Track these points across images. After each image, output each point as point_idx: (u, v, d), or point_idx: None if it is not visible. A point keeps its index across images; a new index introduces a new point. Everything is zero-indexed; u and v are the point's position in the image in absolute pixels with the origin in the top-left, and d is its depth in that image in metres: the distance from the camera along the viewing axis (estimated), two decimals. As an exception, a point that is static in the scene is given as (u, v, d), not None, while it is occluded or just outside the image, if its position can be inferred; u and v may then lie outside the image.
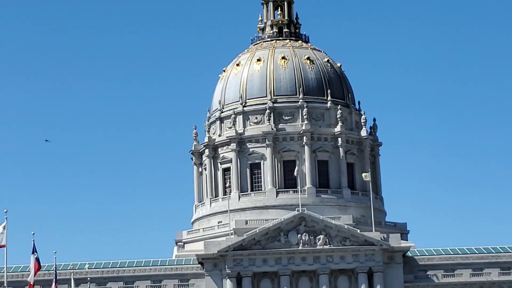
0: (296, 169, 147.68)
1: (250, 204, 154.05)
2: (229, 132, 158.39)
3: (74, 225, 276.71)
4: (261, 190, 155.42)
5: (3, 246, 51.60)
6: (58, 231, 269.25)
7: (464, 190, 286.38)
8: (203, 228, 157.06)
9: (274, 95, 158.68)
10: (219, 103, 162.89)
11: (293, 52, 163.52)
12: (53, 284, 62.29)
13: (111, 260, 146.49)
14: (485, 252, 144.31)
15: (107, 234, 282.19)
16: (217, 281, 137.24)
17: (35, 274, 54.45)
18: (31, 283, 55.05)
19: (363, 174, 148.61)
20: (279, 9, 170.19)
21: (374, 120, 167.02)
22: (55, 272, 66.38)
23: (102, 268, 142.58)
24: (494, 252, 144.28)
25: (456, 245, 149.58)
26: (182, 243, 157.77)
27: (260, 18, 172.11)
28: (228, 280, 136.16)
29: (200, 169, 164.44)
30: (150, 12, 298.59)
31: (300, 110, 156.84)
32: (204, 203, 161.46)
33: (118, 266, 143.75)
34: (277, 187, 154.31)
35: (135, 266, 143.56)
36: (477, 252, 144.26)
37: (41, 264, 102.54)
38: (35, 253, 56.86)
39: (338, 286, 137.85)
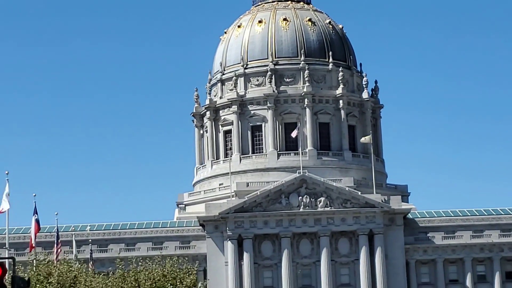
0: (296, 132, 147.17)
1: (251, 166, 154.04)
2: (230, 94, 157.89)
3: (75, 187, 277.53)
4: (262, 152, 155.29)
5: (4, 211, 51.61)
6: (60, 193, 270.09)
7: (465, 152, 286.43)
8: (204, 190, 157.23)
9: (275, 57, 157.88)
10: (220, 65, 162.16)
11: (295, 14, 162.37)
12: (55, 245, 62.43)
13: (113, 222, 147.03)
14: (486, 214, 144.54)
15: (108, 196, 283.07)
16: (218, 243, 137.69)
17: (34, 235, 54.54)
18: (32, 244, 55.15)
19: (363, 138, 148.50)
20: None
21: (376, 82, 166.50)
22: (57, 233, 66.57)
23: (104, 230, 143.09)
24: (494, 214, 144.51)
25: (456, 207, 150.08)
26: (183, 205, 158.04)
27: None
28: (229, 242, 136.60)
29: (201, 132, 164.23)
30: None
31: (301, 72, 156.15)
32: (205, 165, 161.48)
33: (119, 228, 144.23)
34: (278, 150, 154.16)
35: (136, 228, 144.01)
36: (477, 214, 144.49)
37: (43, 226, 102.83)
38: (36, 215, 56.83)
39: (338, 248, 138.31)
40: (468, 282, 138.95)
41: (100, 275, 44.22)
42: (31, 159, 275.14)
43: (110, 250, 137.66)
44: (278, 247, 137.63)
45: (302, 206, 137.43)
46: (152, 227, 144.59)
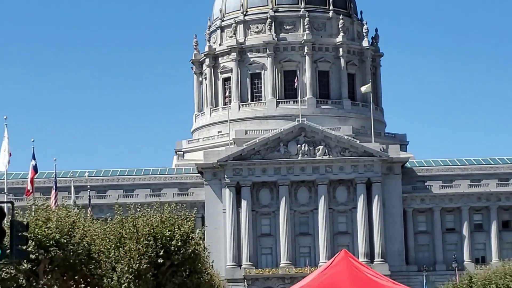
0: (296, 80, 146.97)
1: (250, 114, 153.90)
2: (229, 41, 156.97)
3: (74, 133, 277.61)
4: (261, 100, 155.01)
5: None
6: (59, 139, 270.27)
7: (464, 101, 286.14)
8: (202, 138, 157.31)
9: (275, 4, 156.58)
10: (220, 12, 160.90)
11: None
12: (53, 191, 62.54)
13: (111, 169, 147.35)
14: (484, 163, 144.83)
15: (107, 142, 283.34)
16: (216, 191, 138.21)
17: (31, 180, 54.60)
18: (28, 189, 55.27)
19: (363, 87, 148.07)
20: None
21: (376, 30, 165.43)
22: (55, 179, 66.60)
23: (102, 176, 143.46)
24: (492, 163, 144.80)
25: (455, 156, 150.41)
26: (182, 153, 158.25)
27: None
28: (227, 189, 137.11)
29: (200, 79, 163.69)
30: None
31: (301, 20, 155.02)
32: (204, 112, 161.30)
33: (118, 174, 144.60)
34: (277, 98, 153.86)
35: (134, 175, 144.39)
36: (475, 163, 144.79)
37: (41, 172, 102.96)
38: (34, 160, 56.80)
39: (336, 196, 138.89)
40: (465, 231, 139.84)
41: (99, 221, 44.31)
42: (30, 105, 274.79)
43: (109, 197, 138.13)
44: (276, 195, 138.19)
45: (300, 154, 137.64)
46: (150, 174, 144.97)
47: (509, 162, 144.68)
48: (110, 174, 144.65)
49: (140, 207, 43.52)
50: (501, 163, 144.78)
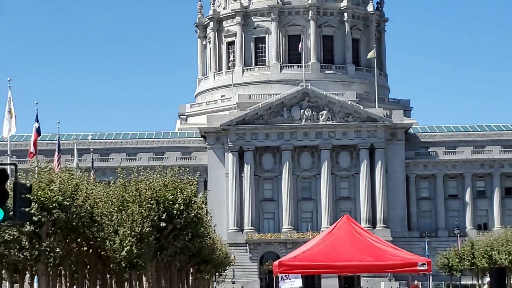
0: (300, 44, 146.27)
1: (254, 78, 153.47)
2: (234, 5, 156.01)
3: (78, 96, 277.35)
4: (265, 64, 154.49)
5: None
6: (62, 101, 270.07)
7: (469, 68, 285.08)
8: (206, 102, 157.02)
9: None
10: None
11: None
12: (56, 153, 62.48)
13: (114, 132, 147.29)
14: (487, 129, 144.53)
15: (110, 105, 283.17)
16: (219, 155, 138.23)
17: (34, 143, 54.48)
18: (31, 151, 55.18)
19: (369, 53, 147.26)
20: None
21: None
22: (58, 142, 66.49)
23: (105, 139, 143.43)
24: (496, 130, 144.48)
25: (458, 122, 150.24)
26: (185, 116, 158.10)
27: None
28: (230, 154, 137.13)
29: (204, 43, 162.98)
30: None
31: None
32: (207, 76, 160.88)
33: (121, 137, 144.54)
34: (281, 62, 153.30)
35: (137, 138, 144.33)
36: (479, 130, 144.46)
37: (45, 134, 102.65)
38: (37, 123, 56.63)
39: (339, 162, 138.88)
40: (467, 197, 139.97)
41: (101, 184, 44.30)
42: (34, 67, 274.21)
43: (112, 160, 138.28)
44: (278, 159, 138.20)
45: (303, 119, 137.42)
46: (153, 137, 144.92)
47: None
48: (113, 137, 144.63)
49: (143, 170, 43.48)
50: (504, 129, 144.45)
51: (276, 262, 24.05)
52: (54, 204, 37.66)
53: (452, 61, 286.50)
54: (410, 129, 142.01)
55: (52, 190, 37.98)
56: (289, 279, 34.00)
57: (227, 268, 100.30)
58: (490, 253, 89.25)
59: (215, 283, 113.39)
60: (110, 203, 40.28)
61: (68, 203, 38.29)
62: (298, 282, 35.12)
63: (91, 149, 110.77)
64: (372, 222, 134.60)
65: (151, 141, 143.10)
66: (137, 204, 39.55)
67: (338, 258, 23.04)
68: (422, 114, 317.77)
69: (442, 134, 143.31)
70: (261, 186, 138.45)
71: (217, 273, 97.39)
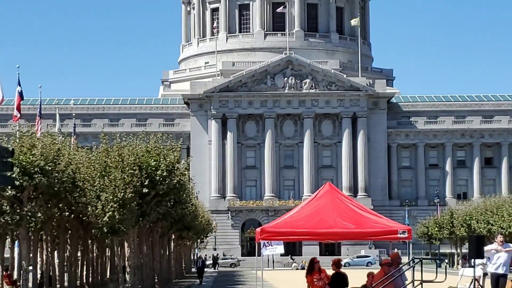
0: (281, 7, 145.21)
1: (238, 45, 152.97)
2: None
3: (60, 60, 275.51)
4: (249, 32, 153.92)
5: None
6: (44, 65, 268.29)
7: (451, 38, 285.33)
8: (189, 69, 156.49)
9: None
10: None
11: None
12: (37, 118, 62.12)
13: (97, 97, 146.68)
14: (468, 100, 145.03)
15: (93, 70, 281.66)
16: (202, 122, 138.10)
17: (17, 107, 54.17)
18: (15, 115, 54.85)
19: (352, 21, 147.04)
20: None
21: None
22: (40, 106, 66.11)
23: (88, 104, 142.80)
24: (477, 100, 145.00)
25: (440, 92, 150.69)
26: (168, 83, 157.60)
27: None
28: (213, 121, 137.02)
29: (188, 8, 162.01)
30: None
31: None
32: (191, 43, 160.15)
33: (103, 103, 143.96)
34: (265, 30, 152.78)
35: (120, 104, 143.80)
36: (460, 100, 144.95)
37: (26, 98, 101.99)
38: (19, 87, 56.24)
39: (322, 130, 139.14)
40: (448, 166, 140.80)
41: (84, 149, 44.13)
42: (16, 32, 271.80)
43: (94, 125, 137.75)
44: (261, 127, 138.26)
45: (287, 87, 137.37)
46: (136, 103, 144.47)
47: (494, 99, 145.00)
48: (95, 102, 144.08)
49: (125, 136, 43.34)
50: (485, 100, 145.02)
51: (258, 229, 24.20)
52: (36, 169, 37.54)
53: (435, 31, 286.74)
54: (393, 98, 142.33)
55: (34, 155, 37.82)
56: (271, 245, 34.23)
57: (209, 234, 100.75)
58: (469, 222, 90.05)
59: (196, 249, 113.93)
60: (93, 169, 40.19)
61: (50, 168, 38.16)
62: (280, 248, 35.37)
63: (73, 114, 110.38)
64: (354, 190, 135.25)
65: (134, 107, 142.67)
66: (120, 170, 39.50)
67: (320, 226, 23.21)
68: (405, 83, 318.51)
69: (424, 104, 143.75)
70: (244, 154, 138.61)
71: (198, 240, 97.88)
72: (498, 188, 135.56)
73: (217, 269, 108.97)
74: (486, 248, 28.64)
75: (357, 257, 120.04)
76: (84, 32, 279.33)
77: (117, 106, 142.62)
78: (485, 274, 33.43)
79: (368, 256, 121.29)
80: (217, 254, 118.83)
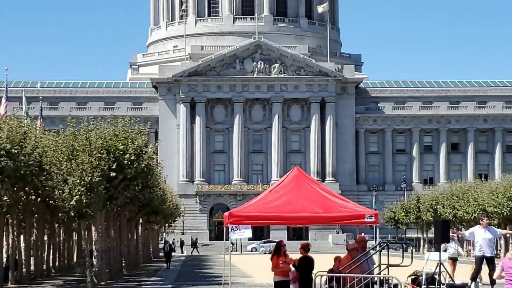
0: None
1: (207, 29, 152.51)
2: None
3: (27, 42, 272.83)
4: (218, 15, 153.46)
5: None
6: (11, 47, 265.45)
7: (419, 23, 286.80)
8: (158, 52, 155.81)
9: None
10: None
11: None
12: (3, 100, 61.58)
13: (64, 80, 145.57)
14: (435, 86, 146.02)
15: (60, 53, 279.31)
16: (171, 106, 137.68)
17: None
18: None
19: (319, 6, 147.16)
20: None
21: None
22: (6, 89, 65.54)
23: (55, 87, 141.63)
24: (444, 86, 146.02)
25: (408, 78, 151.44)
26: (137, 66, 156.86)
27: None
28: (181, 105, 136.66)
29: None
30: None
31: None
32: (160, 26, 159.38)
33: (71, 86, 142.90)
34: (234, 14, 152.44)
35: (88, 87, 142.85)
36: (427, 86, 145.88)
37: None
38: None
39: (290, 115, 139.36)
40: (415, 152, 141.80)
41: (51, 133, 43.75)
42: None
43: (61, 108, 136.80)
44: (230, 112, 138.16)
45: (256, 72, 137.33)
46: (104, 87, 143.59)
47: (460, 85, 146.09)
48: (63, 85, 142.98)
49: (93, 120, 43.06)
50: (452, 86, 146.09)
51: (226, 213, 24.21)
52: (1, 152, 37.23)
53: (403, 17, 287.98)
54: (361, 84, 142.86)
55: (0, 138, 37.50)
56: (239, 229, 34.30)
57: (176, 219, 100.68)
58: (435, 207, 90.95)
59: (164, 233, 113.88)
60: (60, 152, 39.85)
61: (16, 151, 37.86)
62: (248, 233, 35.44)
63: (40, 97, 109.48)
64: (322, 175, 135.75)
65: (101, 91, 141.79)
66: (87, 154, 39.23)
67: (288, 210, 23.27)
68: (373, 69, 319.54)
69: (392, 90, 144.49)
70: (212, 138, 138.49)
71: (166, 224, 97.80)
72: (464, 174, 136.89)
73: (198, 252, 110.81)
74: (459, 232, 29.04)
75: (265, 242, 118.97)
76: (52, 14, 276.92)
77: (84, 90, 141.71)
78: (454, 259, 33.79)
79: (271, 242, 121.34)
80: (196, 239, 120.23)
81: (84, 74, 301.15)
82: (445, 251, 35.65)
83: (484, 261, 27.52)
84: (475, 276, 26.92)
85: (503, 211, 66.99)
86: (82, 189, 38.44)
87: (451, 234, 36.90)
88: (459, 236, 38.04)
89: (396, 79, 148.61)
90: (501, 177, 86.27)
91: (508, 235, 60.40)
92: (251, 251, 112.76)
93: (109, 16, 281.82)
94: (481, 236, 26.42)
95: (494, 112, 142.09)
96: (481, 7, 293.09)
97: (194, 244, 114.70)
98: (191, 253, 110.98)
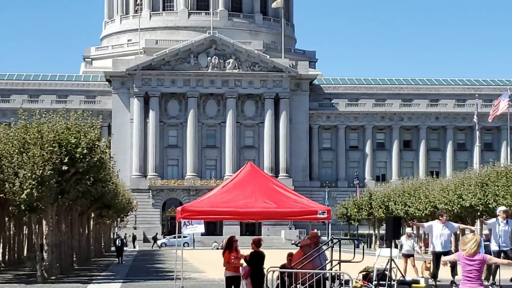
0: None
1: (161, 23, 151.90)
2: None
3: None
4: (173, 10, 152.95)
5: None
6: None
7: (373, 22, 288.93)
8: (112, 46, 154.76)
9: None
10: None
11: None
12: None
13: (16, 73, 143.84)
14: (389, 83, 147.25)
15: (13, 45, 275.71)
16: (124, 100, 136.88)
17: None
18: None
19: (274, 3, 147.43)
20: None
21: None
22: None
23: (7, 79, 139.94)
24: (397, 83, 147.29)
25: (361, 75, 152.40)
26: (90, 60, 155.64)
27: None
28: (135, 99, 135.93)
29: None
30: None
31: None
32: (114, 20, 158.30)
33: (23, 78, 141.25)
34: (189, 8, 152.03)
35: (40, 80, 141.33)
36: (380, 83, 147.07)
37: None
38: None
39: (244, 111, 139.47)
40: (368, 149, 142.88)
41: (1, 125, 43.23)
42: None
43: (13, 101, 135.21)
44: (184, 106, 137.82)
45: (210, 67, 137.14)
46: (57, 79, 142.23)
47: (413, 83, 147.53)
48: (15, 78, 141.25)
49: (45, 113, 42.64)
50: (405, 83, 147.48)
51: (179, 208, 24.16)
52: (-49, 144, 36.68)
53: (357, 14, 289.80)
54: (315, 80, 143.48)
55: (-50, 130, 36.97)
56: (191, 224, 34.25)
57: (129, 213, 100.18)
58: (387, 204, 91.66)
59: (116, 228, 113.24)
60: (11, 145, 39.42)
61: (-34, 144, 37.35)
62: (201, 228, 35.40)
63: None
64: (275, 171, 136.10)
65: (54, 84, 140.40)
66: (39, 147, 38.85)
67: (240, 205, 23.28)
68: (327, 66, 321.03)
69: (345, 86, 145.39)
70: (166, 133, 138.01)
71: (119, 219, 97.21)
72: (416, 171, 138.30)
73: (159, 247, 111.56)
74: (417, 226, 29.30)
75: (174, 237, 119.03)
76: (5, 6, 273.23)
77: (37, 82, 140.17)
78: (409, 256, 34.10)
79: (186, 237, 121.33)
80: (156, 233, 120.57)
81: (37, 66, 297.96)
82: (399, 246, 36.03)
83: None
84: (435, 272, 27.14)
85: (453, 208, 67.75)
86: (33, 182, 38.05)
87: (408, 230, 37.23)
88: (418, 228, 38.57)
89: (350, 76, 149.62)
90: (452, 175, 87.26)
91: (463, 229, 60.91)
92: (161, 246, 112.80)
93: (63, 9, 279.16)
94: (438, 232, 26.66)
95: (446, 110, 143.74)
96: (434, 5, 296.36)
97: (154, 239, 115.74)
98: (152, 247, 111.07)
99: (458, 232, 36.66)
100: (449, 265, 26.65)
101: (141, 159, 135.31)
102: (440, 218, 26.86)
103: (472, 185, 67.32)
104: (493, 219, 28.60)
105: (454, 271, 27.14)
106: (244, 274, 24.21)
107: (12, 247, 56.17)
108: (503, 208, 28.82)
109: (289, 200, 23.56)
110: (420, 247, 75.78)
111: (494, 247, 27.66)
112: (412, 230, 40.47)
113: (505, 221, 27.78)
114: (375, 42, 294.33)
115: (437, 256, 26.87)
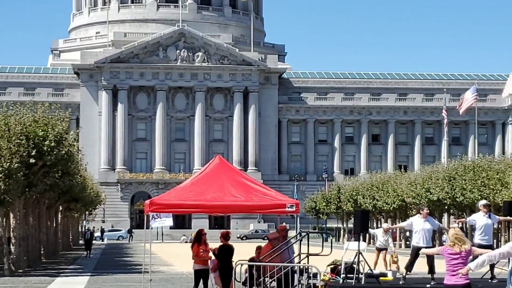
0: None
1: (130, 16, 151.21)
2: None
3: None
4: (141, 2, 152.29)
5: None
6: None
7: (342, 16, 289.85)
8: (80, 38, 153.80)
9: None
10: None
11: None
12: None
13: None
14: (357, 77, 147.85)
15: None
16: (93, 93, 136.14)
17: None
18: None
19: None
20: None
21: None
22: None
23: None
24: (365, 77, 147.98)
25: (330, 69, 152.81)
26: (58, 52, 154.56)
27: None
28: (104, 92, 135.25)
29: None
30: None
31: None
32: (82, 12, 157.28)
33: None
34: (158, 1, 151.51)
35: (7, 72, 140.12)
36: (349, 77, 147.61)
37: None
38: None
39: (213, 104, 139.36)
40: (336, 142, 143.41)
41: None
42: None
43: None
44: (153, 99, 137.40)
45: (179, 60, 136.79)
46: (24, 72, 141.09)
47: (382, 77, 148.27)
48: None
49: (12, 105, 42.32)
50: (373, 77, 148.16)
51: (147, 201, 24.11)
52: None
53: (326, 8, 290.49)
54: (284, 74, 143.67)
55: None
56: (160, 218, 34.20)
57: (97, 207, 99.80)
58: (355, 198, 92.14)
59: (84, 221, 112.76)
60: (-23, 138, 39.07)
61: None
62: (169, 221, 35.43)
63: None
64: (244, 164, 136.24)
65: (21, 76, 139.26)
66: (6, 139, 38.54)
67: (209, 198, 23.28)
68: (296, 59, 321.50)
69: (314, 80, 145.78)
70: (135, 126, 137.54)
71: (87, 212, 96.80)
72: (384, 165, 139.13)
73: (132, 240, 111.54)
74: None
75: (109, 231, 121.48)
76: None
77: (4, 75, 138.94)
78: (381, 249, 34.22)
79: (120, 230, 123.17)
80: (131, 226, 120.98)
81: (4, 59, 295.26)
82: (375, 238, 36.20)
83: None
84: (409, 266, 27.16)
85: (421, 202, 68.26)
86: (0, 175, 37.77)
87: (385, 225, 37.39)
88: (397, 229, 38.73)
89: (319, 70, 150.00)
90: (420, 169, 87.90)
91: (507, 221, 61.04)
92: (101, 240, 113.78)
93: (31, 0, 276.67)
94: (419, 226, 26.67)
95: (414, 104, 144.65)
96: (401, 0, 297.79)
97: (130, 232, 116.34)
98: (129, 241, 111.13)
99: (496, 224, 36.26)
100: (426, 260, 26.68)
101: (109, 152, 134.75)
102: (421, 212, 26.88)
103: (439, 179, 67.94)
104: (474, 215, 28.59)
105: (432, 270, 27.00)
106: (213, 267, 24.23)
107: (-22, 240, 55.65)
108: (483, 202, 28.78)
109: (258, 193, 23.61)
110: (400, 245, 76.39)
111: (476, 241, 27.55)
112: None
113: (487, 215, 27.74)
114: (344, 36, 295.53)
115: (415, 251, 26.76)
